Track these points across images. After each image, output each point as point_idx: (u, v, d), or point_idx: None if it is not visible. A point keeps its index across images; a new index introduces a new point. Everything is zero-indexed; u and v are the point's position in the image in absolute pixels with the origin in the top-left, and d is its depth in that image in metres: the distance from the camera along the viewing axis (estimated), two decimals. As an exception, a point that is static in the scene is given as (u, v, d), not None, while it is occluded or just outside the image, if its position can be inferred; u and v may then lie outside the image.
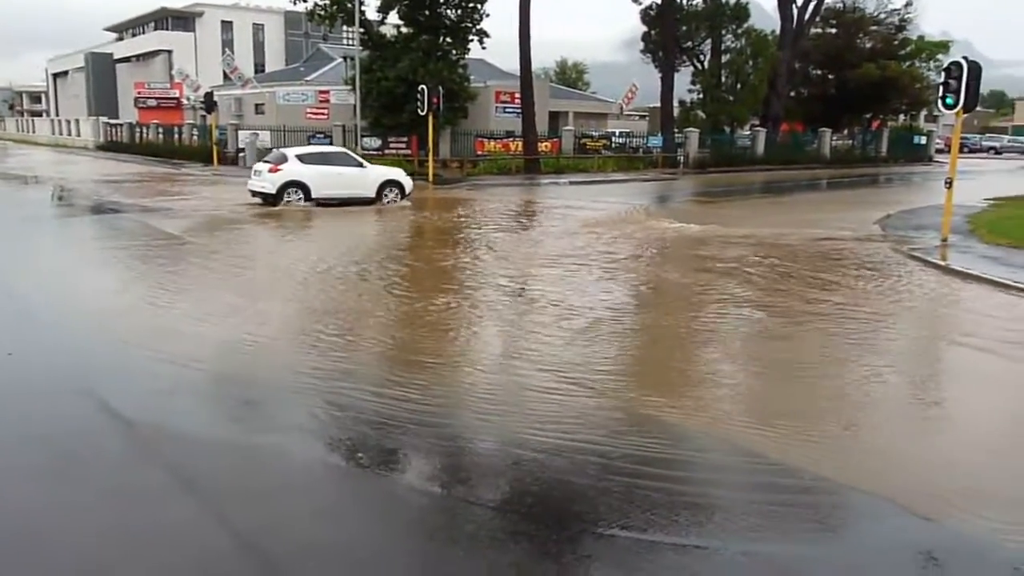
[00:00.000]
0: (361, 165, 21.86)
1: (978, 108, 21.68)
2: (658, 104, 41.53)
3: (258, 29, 68.96)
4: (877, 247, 15.37)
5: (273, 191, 20.17)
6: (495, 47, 37.79)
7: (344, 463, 5.65)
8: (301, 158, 20.95)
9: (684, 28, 41.15)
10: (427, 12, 35.02)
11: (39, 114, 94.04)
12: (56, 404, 6.41)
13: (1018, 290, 11.57)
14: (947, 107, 15.03)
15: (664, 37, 39.95)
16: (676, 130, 40.06)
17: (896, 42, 47.14)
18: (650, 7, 41.49)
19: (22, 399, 6.60)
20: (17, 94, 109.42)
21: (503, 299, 10.83)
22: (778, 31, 42.38)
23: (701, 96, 41.73)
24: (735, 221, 18.91)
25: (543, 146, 36.33)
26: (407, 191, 22.07)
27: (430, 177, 29.80)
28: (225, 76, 50.38)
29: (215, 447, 5.81)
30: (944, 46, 47.99)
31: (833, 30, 47.08)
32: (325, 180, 20.58)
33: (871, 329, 9.45)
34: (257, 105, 44.48)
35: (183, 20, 66.43)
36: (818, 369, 7.91)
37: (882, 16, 47.24)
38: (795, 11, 42.12)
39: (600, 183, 30.97)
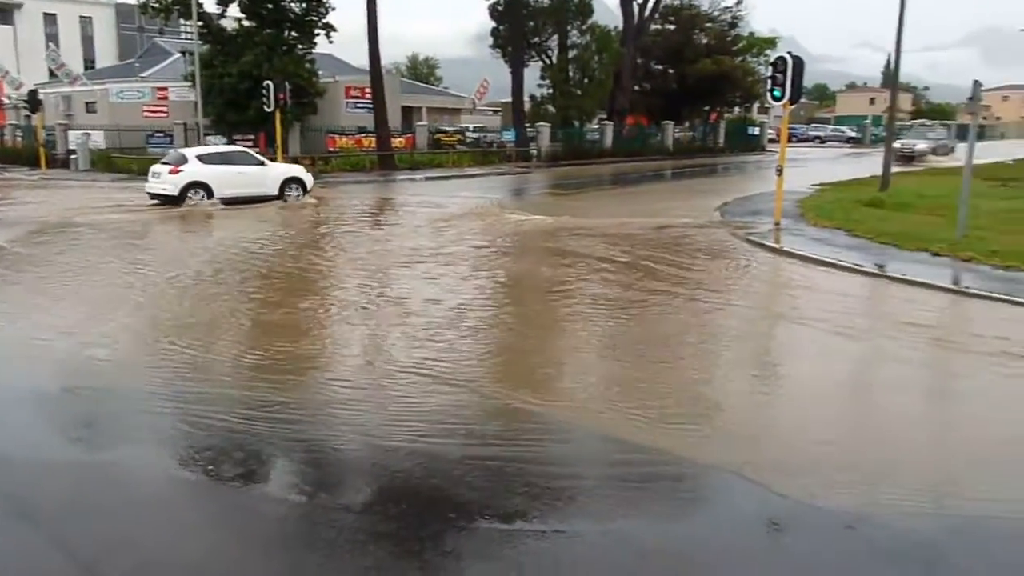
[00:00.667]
0: (262, 163, 21.83)
1: (804, 100, 23.24)
2: (510, 99, 42.09)
3: (86, 22, 64.61)
4: (717, 233, 16.24)
5: (175, 192, 19.78)
6: (344, 42, 37.17)
7: (196, 477, 5.41)
8: (201, 158, 20.66)
9: (531, 24, 41.88)
10: (270, 5, 33.93)
11: None
12: None
13: (842, 268, 12.57)
14: (775, 99, 16.05)
15: (512, 33, 40.52)
16: (528, 124, 40.74)
17: (729, 38, 49.78)
18: (497, 3, 41.99)
19: None
20: None
21: (359, 299, 10.68)
22: (621, 27, 43.84)
23: (551, 91, 42.65)
24: (586, 212, 19.46)
25: (397, 142, 36.04)
26: (308, 187, 22.15)
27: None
28: (51, 73, 46.84)
29: (53, 470, 5.44)
30: (772, 42, 51.06)
31: (672, 27, 49.17)
32: (227, 179, 20.39)
33: (714, 311, 9.99)
34: (88, 103, 41.66)
35: (1, 12, 61.33)
36: (666, 351, 8.28)
37: (716, 13, 49.77)
38: (636, 8, 43.68)
39: (456, 178, 31.06)
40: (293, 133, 34.24)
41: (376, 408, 6.59)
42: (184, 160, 20.41)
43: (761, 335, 9.45)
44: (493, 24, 42.85)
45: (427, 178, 30.65)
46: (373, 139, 35.09)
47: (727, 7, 49.49)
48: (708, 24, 49.46)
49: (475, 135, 41.17)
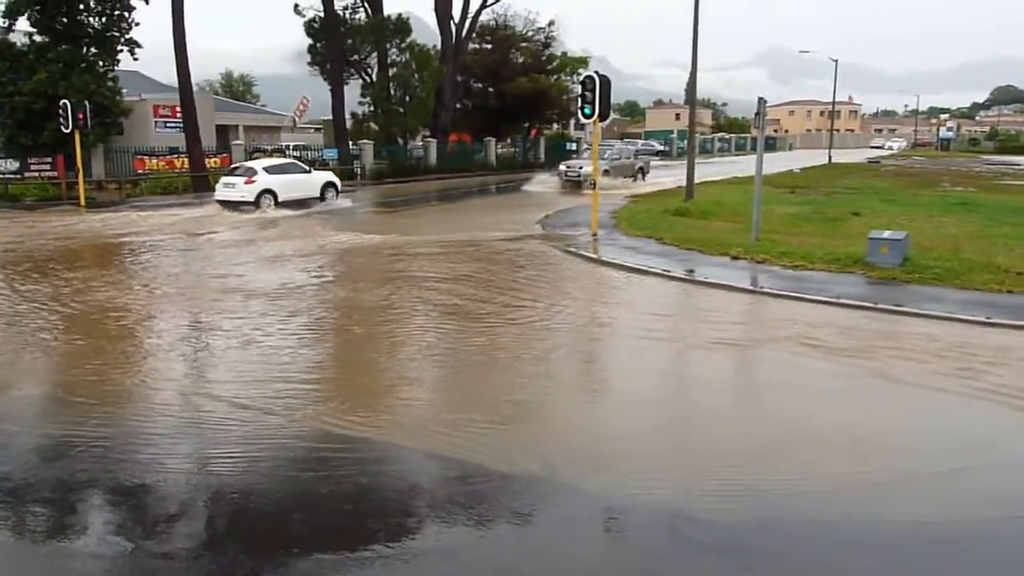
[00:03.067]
0: (308, 171, 26.97)
1: (615, 116, 24.51)
2: (331, 116, 41.48)
3: None
4: (538, 245, 16.80)
5: (252, 199, 23.95)
6: (151, 58, 35.22)
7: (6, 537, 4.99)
8: (267, 170, 25.34)
9: (350, 41, 41.46)
10: (65, 19, 31.58)
11: None
12: None
13: (653, 274, 13.40)
14: (586, 116, 16.86)
15: (330, 50, 39.96)
16: (351, 142, 40.29)
17: (544, 58, 51.57)
18: (314, 20, 41.26)
19: None
20: None
21: (178, 332, 10.20)
22: (440, 46, 44.35)
23: (372, 109, 42.33)
24: (411, 229, 19.55)
25: (211, 162, 34.55)
26: (339, 189, 27.59)
27: (81, 201, 26.99)
28: None
29: None
30: (584, 61, 53.31)
31: (489, 46, 50.32)
32: (286, 186, 24.84)
33: (535, 321, 10.35)
34: None
35: None
36: (487, 363, 8.49)
37: (530, 33, 51.41)
38: (453, 27, 44.37)
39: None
40: (96, 155, 32.09)
41: (195, 440, 6.36)
42: (255, 172, 24.93)
43: (582, 342, 9.88)
44: (310, 41, 42.08)
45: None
46: (186, 160, 33.50)
47: (541, 27, 51.27)
48: (523, 44, 51.01)
49: (295, 153, 40.17)
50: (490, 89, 49.89)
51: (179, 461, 6.07)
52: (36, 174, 30.52)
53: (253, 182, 24.27)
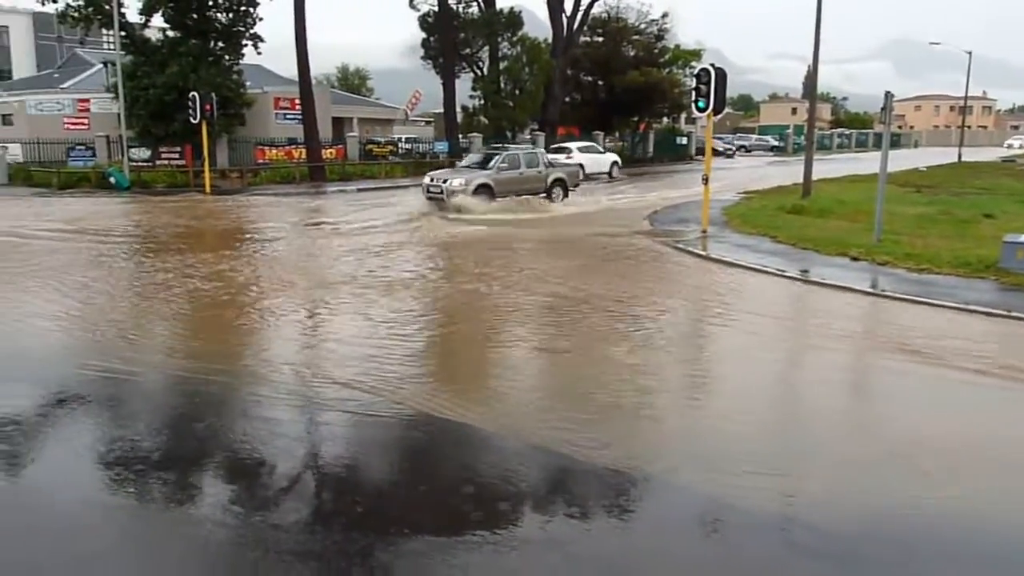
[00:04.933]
0: (602, 152, 35.95)
1: (728, 110, 23.90)
2: (442, 110, 42.12)
3: (2, 31, 62.27)
4: (647, 241, 16.54)
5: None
6: (273, 53, 36.63)
7: (118, 499, 5.28)
8: (580, 150, 34.40)
9: (462, 35, 41.97)
10: (195, 15, 33.23)
11: None
12: None
13: (766, 273, 12.96)
14: (699, 110, 16.48)
15: (443, 44, 40.57)
16: (460, 135, 40.80)
17: (656, 50, 50.77)
18: (428, 14, 41.98)
19: None
20: None
21: (312, 311, 10.57)
22: (551, 39, 44.33)
23: (482, 102, 42.74)
24: (517, 222, 19.58)
25: (327, 153, 35.70)
26: (620, 166, 35.97)
27: (207, 188, 28.39)
28: (-38, 83, 45.10)
29: None
30: (697, 54, 52.20)
31: (600, 39, 49.92)
32: (591, 162, 33.52)
33: (642, 317, 10.19)
34: (4, 116, 40.22)
35: (-93, 20, 58.77)
36: (598, 357, 8.40)
37: (643, 26, 50.69)
38: (564, 20, 44.26)
39: (388, 189, 30.88)
40: (221, 145, 33.62)
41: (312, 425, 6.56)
42: (571, 151, 33.18)
43: (686, 338, 9.67)
44: (424, 35, 42.84)
45: (359, 189, 30.41)
46: (303, 150, 34.69)
47: (654, 20, 50.49)
48: (635, 37, 50.35)
49: (407, 146, 41.04)
50: (600, 82, 49.50)
51: (290, 438, 6.27)
52: (166, 162, 32.28)
53: (570, 159, 31.31)
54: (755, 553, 4.68)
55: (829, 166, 38.10)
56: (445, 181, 22.03)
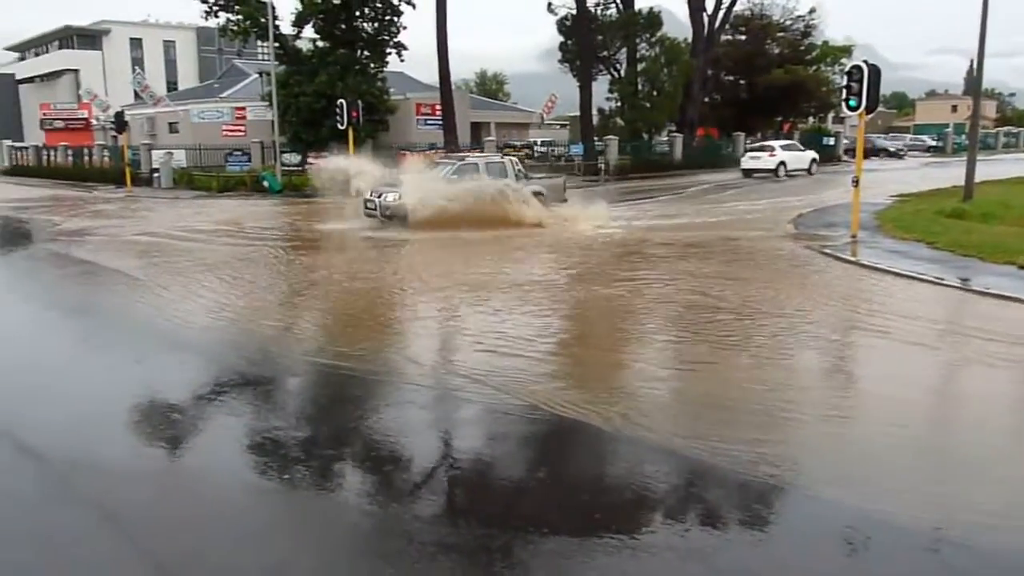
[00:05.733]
0: (802, 150, 38.37)
1: (881, 108, 22.62)
2: (578, 113, 42.13)
3: (169, 46, 67.35)
4: (791, 245, 15.90)
5: (773, 167, 35.17)
6: (414, 60, 37.86)
7: (271, 484, 5.53)
8: (782, 147, 37.00)
9: (600, 37, 41.85)
10: (343, 26, 34.82)
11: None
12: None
13: (923, 281, 12.15)
14: (851, 109, 15.67)
15: (580, 47, 40.58)
16: (596, 138, 40.69)
17: (802, 47, 48.93)
18: (566, 18, 42.13)
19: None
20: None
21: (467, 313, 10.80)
22: (690, 38, 43.50)
23: (619, 104, 42.47)
24: (659, 224, 19.28)
25: (466, 157, 36.47)
26: (818, 163, 38.19)
27: (352, 192, 29.50)
28: (136, 95, 49.01)
29: (133, 477, 5.58)
30: (847, 50, 49.91)
31: (743, 37, 48.60)
32: (793, 159, 36.14)
33: (786, 325, 9.77)
34: (171, 124, 43.46)
35: (89, 38, 64.39)
36: (740, 363, 8.13)
37: (788, 23, 48.99)
38: (705, 19, 43.32)
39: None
40: (365, 150, 34.92)
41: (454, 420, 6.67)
42: (774, 149, 36.26)
43: (836, 347, 9.20)
44: (561, 39, 43.00)
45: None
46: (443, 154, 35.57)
47: (800, 16, 48.71)
48: (780, 34, 48.73)
49: (543, 149, 41.32)
50: (741, 82, 48.21)
51: (429, 432, 6.40)
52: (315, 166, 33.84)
53: (775, 155, 35.49)
54: (905, 573, 4.38)
55: (994, 167, 35.37)
56: (380, 196, 19.10)
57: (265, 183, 31.05)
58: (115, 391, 7.46)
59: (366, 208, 19.54)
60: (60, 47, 65.82)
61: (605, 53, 42.55)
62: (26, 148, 51.52)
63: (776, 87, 45.51)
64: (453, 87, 36.85)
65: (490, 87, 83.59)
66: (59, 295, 12.69)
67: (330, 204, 26.09)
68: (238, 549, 4.63)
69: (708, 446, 5.88)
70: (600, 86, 43.22)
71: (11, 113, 66.28)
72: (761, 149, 37.02)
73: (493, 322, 9.78)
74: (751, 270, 13.42)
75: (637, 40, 41.44)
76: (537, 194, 19.40)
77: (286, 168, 32.79)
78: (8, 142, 54.93)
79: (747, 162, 36.10)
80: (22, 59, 72.12)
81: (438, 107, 36.31)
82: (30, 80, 67.66)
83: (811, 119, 54.47)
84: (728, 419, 6.49)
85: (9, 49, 74.28)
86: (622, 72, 42.51)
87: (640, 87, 41.74)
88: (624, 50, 42.27)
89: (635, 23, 41.00)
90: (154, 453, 6.04)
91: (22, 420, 6.48)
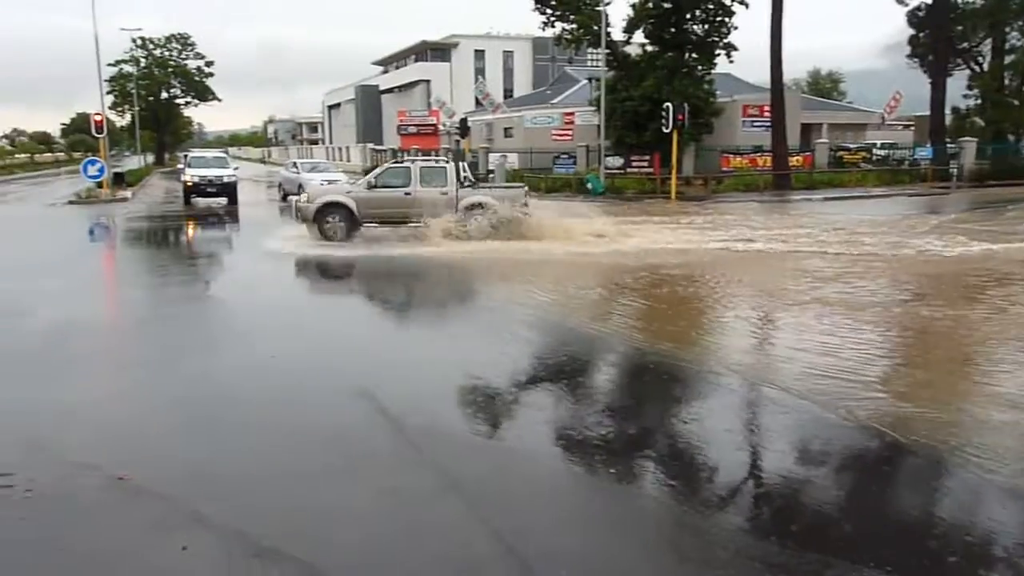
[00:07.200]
0: None
1: None
2: (924, 112, 37.99)
3: (507, 56, 72.13)
4: None
5: None
6: (742, 60, 36.59)
7: (593, 473, 5.50)
8: None
9: (959, 28, 37.34)
10: (673, 29, 34.69)
11: (315, 142, 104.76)
12: (331, 406, 6.80)
13: None
14: None
15: (935, 39, 36.52)
16: (948, 140, 36.39)
17: None
18: (918, 8, 38.11)
19: (302, 401, 7.02)
20: (298, 125, 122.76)
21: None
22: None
23: (979, 101, 37.58)
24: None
25: (794, 160, 34.53)
26: None
27: (672, 195, 29.36)
28: (477, 102, 53.15)
29: (474, 450, 5.88)
30: None
31: None
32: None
33: None
34: (506, 129, 46.44)
35: (441, 51, 71.09)
36: None
37: None
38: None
39: (857, 199, 28.78)
40: (688, 153, 34.54)
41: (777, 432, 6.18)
42: None
43: None
44: (911, 31, 39.02)
45: (825, 199, 28.81)
46: (768, 158, 34.03)
47: None
48: None
49: (882, 152, 37.85)
50: None
51: (747, 440, 5.98)
52: (636, 170, 34.18)
53: None
54: None
55: None
56: (298, 200, 18.11)
57: (589, 185, 31.94)
58: (482, 370, 7.92)
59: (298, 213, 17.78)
60: (416, 60, 73.45)
61: (965, 45, 37.88)
62: (384, 150, 58.43)
63: None
64: (784, 87, 35.06)
65: (823, 86, 78.62)
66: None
67: (650, 207, 26.22)
68: (560, 529, 4.67)
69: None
70: (954, 83, 38.60)
71: (374, 120, 75.57)
72: None
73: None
74: None
75: (1007, 29, 36.34)
76: (477, 205, 17.16)
77: (608, 171, 33.45)
78: (371, 145, 62.54)
79: None
80: (385, 72, 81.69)
81: (766, 108, 34.78)
82: (390, 91, 76.45)
83: None
84: None
85: (375, 63, 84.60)
86: (985, 66, 37.57)
87: (1007, 82, 36.59)
88: (988, 41, 37.31)
89: (1005, 10, 35.95)
90: (493, 430, 6.32)
91: (387, 387, 7.10)
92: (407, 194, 17.20)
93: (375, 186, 17.47)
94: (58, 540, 4.48)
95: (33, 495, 4.93)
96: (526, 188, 19.16)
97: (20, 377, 7.62)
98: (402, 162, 18.99)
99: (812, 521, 4.84)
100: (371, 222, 17.43)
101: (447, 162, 18.58)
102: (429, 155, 47.85)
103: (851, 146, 38.09)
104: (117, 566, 4.27)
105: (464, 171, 18.23)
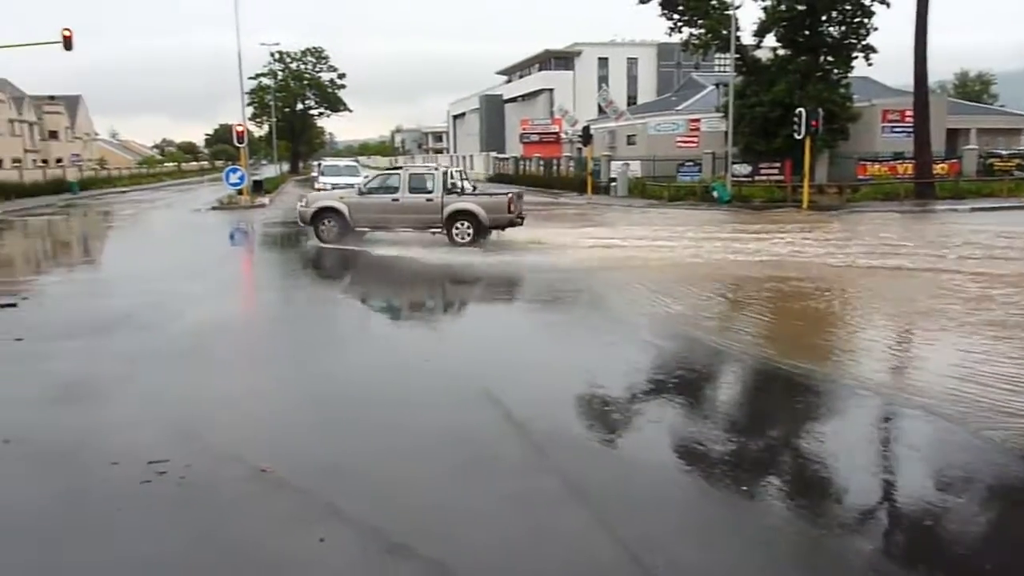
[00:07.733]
0: None
1: None
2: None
3: (632, 63, 71.49)
4: None
5: None
6: (881, 62, 34.79)
7: (717, 484, 5.32)
8: None
9: None
10: (807, 32, 33.39)
11: (440, 151, 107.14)
12: (459, 408, 6.89)
13: None
14: None
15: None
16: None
17: None
18: (1082, 3, 35.28)
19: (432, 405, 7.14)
20: (424, 134, 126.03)
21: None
22: None
23: None
24: None
25: (939, 168, 32.50)
26: None
27: (804, 203, 28.23)
28: (600, 110, 52.90)
29: (598, 456, 5.83)
30: None
31: None
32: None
33: None
34: (629, 136, 45.99)
35: (564, 60, 71.23)
36: None
37: None
38: None
39: (1010, 210, 26.75)
40: (820, 160, 33.19)
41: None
42: None
43: None
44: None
45: (972, 209, 26.93)
46: (909, 165, 32.22)
47: None
48: None
49: (1038, 158, 35.15)
50: None
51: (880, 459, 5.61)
52: (765, 177, 33.14)
53: None
54: None
55: None
56: (305, 203, 18.89)
57: (715, 193, 31.19)
58: (597, 378, 7.86)
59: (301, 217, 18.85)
60: (539, 69, 73.83)
61: None
62: (507, 159, 59.17)
63: None
64: (929, 91, 33.11)
65: (971, 89, 73.96)
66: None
67: (780, 216, 25.32)
68: (686, 541, 4.58)
69: None
70: None
71: (498, 128, 76.62)
72: None
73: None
74: None
75: None
76: (462, 212, 17.35)
77: (736, 179, 32.58)
78: (494, 153, 63.41)
79: None
80: (508, 81, 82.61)
81: (908, 113, 32.92)
82: (513, 100, 77.28)
83: None
84: None
85: (499, 73, 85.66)
86: None
87: None
88: None
89: None
90: (615, 438, 6.27)
91: (513, 393, 7.17)
92: (395, 200, 17.69)
93: (366, 192, 18.13)
94: (207, 524, 4.72)
95: (186, 481, 5.20)
96: (519, 193, 19.41)
97: (174, 372, 8.09)
98: (395, 169, 19.78)
99: (952, 552, 4.54)
100: (363, 227, 18.09)
101: (436, 169, 19.01)
102: (549, 163, 48.27)
103: (1003, 152, 35.51)
104: (260, 553, 4.43)
105: (453, 179, 18.42)
